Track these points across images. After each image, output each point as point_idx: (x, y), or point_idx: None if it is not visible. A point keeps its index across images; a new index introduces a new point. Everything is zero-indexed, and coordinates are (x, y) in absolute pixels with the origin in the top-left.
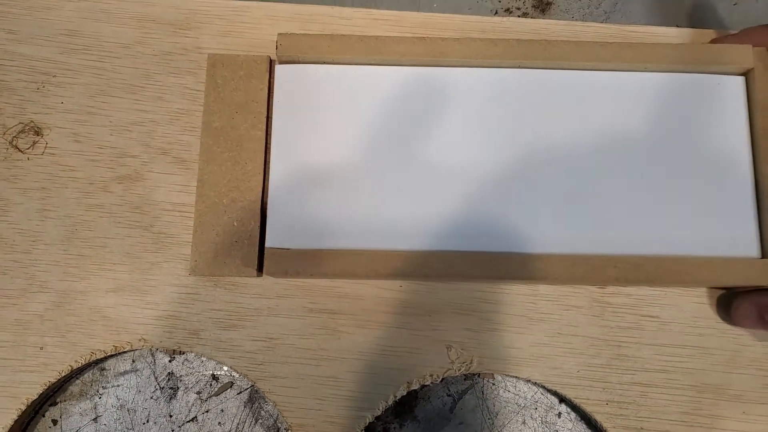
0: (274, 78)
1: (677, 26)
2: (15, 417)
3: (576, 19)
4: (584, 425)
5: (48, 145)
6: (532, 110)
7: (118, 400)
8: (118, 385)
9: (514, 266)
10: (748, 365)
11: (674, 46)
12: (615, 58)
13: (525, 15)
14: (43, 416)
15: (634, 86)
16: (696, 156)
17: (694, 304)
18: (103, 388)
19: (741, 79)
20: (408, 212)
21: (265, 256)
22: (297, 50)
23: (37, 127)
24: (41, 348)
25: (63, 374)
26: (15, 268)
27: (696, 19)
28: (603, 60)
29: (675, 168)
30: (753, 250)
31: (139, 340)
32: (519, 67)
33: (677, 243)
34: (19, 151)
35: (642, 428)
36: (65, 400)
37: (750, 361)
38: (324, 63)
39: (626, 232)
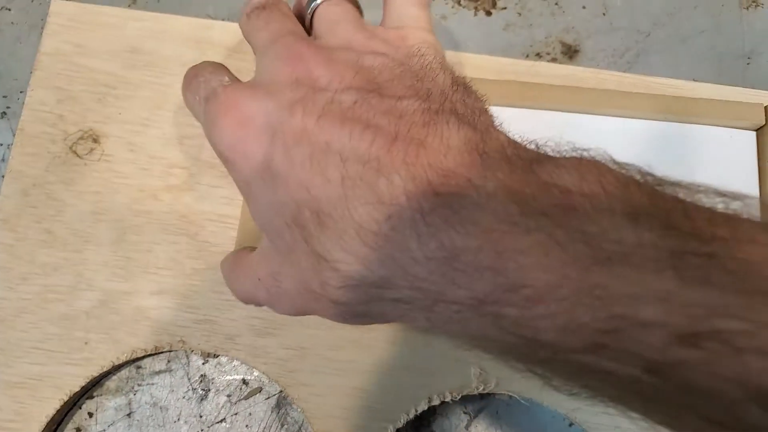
0: None
1: (694, 80)
2: (57, 407)
3: (601, 67)
4: None
5: (104, 153)
6: None
7: (152, 397)
8: (153, 384)
9: None
10: None
11: (691, 99)
12: (636, 106)
13: (554, 60)
14: (80, 408)
15: (653, 134)
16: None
17: None
18: (138, 385)
19: (752, 134)
20: None
21: None
22: None
23: (96, 135)
24: (86, 343)
25: (105, 369)
26: (66, 266)
27: (711, 74)
28: (624, 107)
29: None
30: None
31: (179, 341)
32: (548, 109)
33: None
34: (78, 156)
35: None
36: (101, 395)
37: None
38: None
39: None
